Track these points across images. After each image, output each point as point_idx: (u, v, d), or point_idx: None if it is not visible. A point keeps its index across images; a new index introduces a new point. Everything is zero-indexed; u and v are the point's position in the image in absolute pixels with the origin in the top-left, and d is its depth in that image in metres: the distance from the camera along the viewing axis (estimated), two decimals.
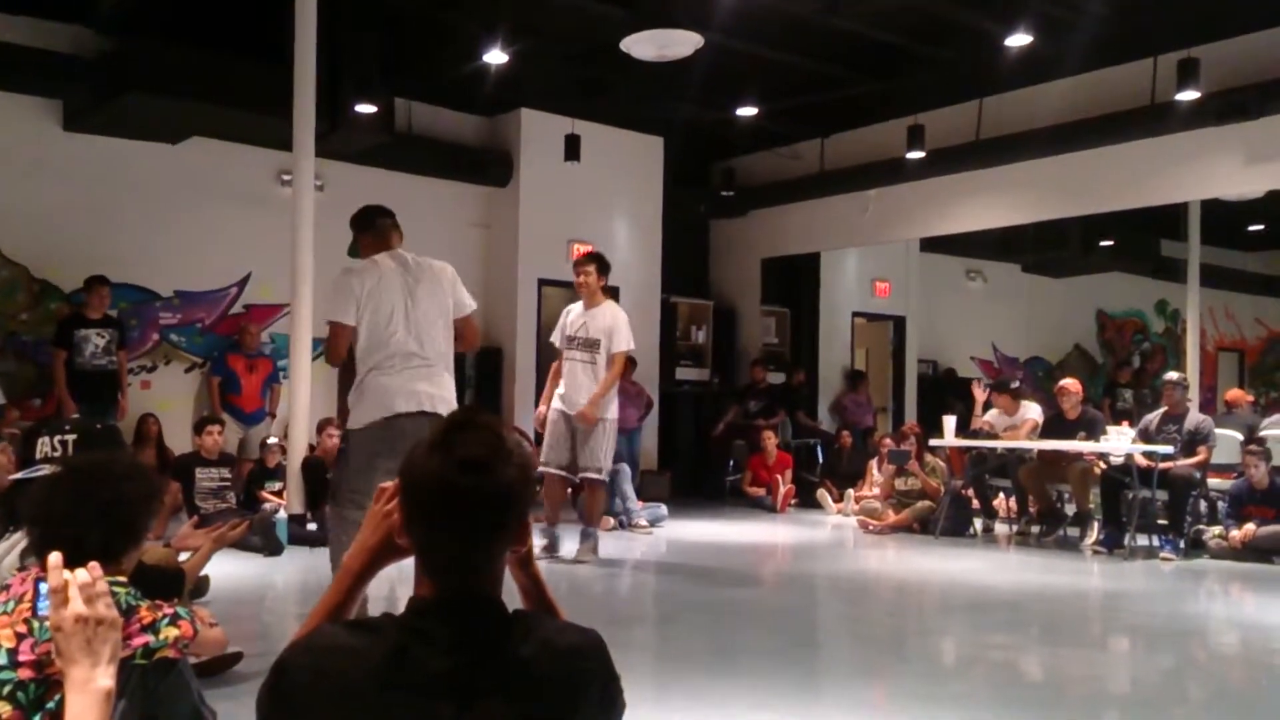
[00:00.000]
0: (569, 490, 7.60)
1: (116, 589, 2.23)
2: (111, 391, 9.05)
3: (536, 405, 7.79)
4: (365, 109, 9.51)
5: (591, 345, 7.20)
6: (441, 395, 4.89)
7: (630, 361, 8.82)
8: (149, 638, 2.31)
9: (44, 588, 2.16)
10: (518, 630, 1.52)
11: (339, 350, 4.98)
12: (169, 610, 2.41)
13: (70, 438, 2.88)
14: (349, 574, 1.71)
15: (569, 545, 7.41)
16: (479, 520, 1.51)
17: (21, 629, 2.17)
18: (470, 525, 1.51)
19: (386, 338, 4.86)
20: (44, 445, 2.91)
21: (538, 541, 7.23)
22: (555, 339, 7.43)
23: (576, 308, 7.40)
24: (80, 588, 1.80)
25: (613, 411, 7.29)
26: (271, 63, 8.44)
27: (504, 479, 1.51)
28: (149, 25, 8.78)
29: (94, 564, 1.86)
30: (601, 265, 7.31)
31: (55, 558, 1.84)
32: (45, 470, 2.77)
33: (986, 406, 9.81)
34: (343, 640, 1.50)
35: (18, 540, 2.95)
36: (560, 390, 7.26)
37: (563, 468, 7.22)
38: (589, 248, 11.88)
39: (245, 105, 9.15)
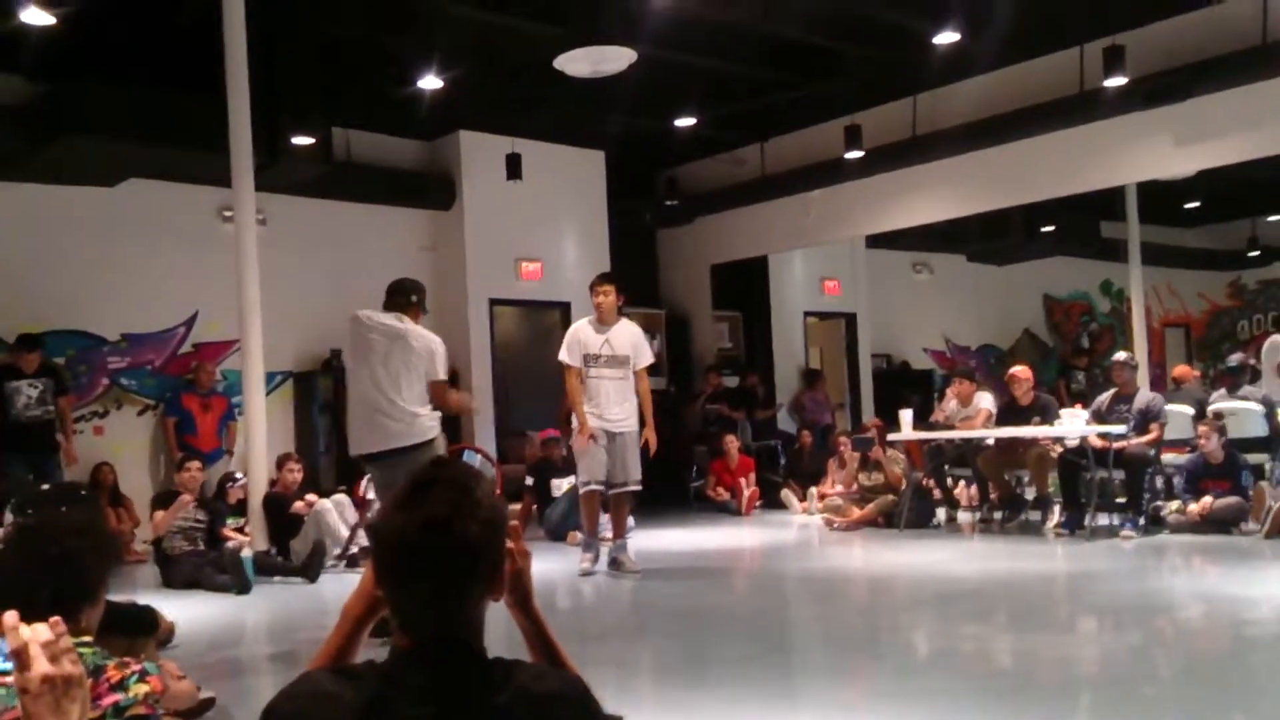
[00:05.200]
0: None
1: (82, 650, 2.20)
2: (49, 443, 8.83)
3: (544, 426, 7.87)
4: (303, 141, 9.45)
5: (621, 362, 7.44)
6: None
7: None
8: (119, 695, 2.29)
9: (3, 646, 2.13)
10: (494, 677, 1.52)
11: None
12: (136, 667, 2.39)
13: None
14: (349, 618, 1.77)
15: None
16: (444, 577, 1.52)
17: None
18: (436, 582, 1.52)
19: None
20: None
21: (586, 555, 7.42)
22: (567, 357, 7.49)
23: (587, 327, 7.54)
24: (44, 645, 1.77)
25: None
26: (206, 98, 8.36)
27: (467, 536, 1.52)
28: (79, 68, 8.68)
29: (55, 619, 1.84)
30: (619, 286, 7.60)
31: (11, 617, 1.81)
32: None
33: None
34: (326, 687, 1.52)
35: None
36: (591, 407, 7.38)
37: (601, 483, 7.39)
38: (538, 264, 11.96)
39: (181, 143, 9.07)
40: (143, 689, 2.33)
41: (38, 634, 1.72)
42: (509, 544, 1.66)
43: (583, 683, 1.63)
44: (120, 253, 9.94)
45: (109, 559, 2.51)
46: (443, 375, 5.70)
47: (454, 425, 11.38)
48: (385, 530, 1.55)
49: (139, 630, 3.79)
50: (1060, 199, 12.03)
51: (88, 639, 2.34)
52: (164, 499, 7.97)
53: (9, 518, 2.93)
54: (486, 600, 1.59)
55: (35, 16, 7.53)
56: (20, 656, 1.74)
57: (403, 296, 5.79)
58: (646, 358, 7.56)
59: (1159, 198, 14.38)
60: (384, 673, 1.52)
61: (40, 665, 1.74)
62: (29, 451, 8.58)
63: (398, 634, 1.56)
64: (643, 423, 7.51)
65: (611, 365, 7.41)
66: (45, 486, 6.53)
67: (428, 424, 5.60)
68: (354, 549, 8.13)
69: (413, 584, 1.53)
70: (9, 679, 1.82)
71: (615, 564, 7.50)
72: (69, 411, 9.19)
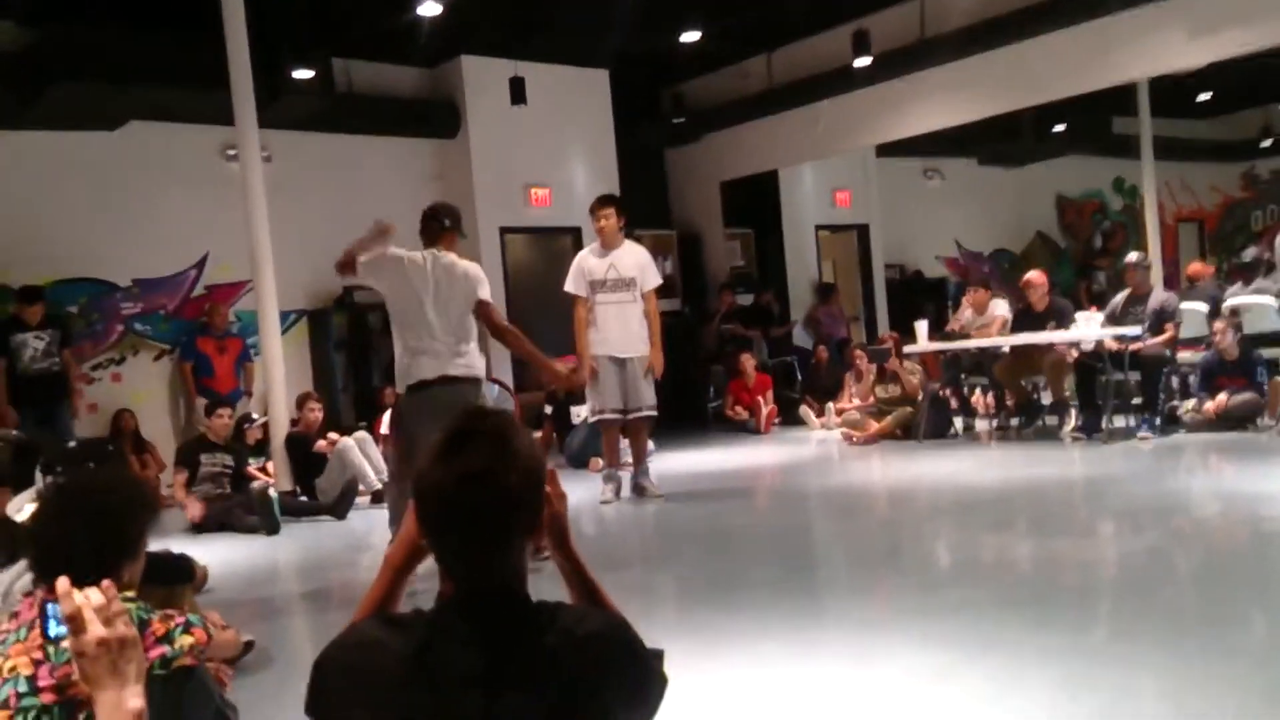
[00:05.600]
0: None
1: (126, 605, 2.26)
2: (58, 394, 8.81)
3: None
4: (304, 74, 9.36)
5: (628, 284, 7.32)
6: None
7: None
8: (165, 648, 2.34)
9: (52, 609, 2.18)
10: (539, 621, 1.56)
11: None
12: (180, 619, 2.44)
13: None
14: (390, 567, 1.79)
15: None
16: (484, 528, 1.55)
17: (38, 654, 2.20)
18: (476, 533, 1.55)
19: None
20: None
21: (607, 487, 7.44)
22: (574, 287, 7.41)
23: (592, 253, 7.46)
24: (97, 610, 1.81)
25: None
26: (203, 37, 8.27)
27: (504, 486, 1.54)
28: (71, 11, 8.56)
29: (107, 582, 1.88)
30: (619, 207, 7.44)
31: (64, 584, 1.85)
32: (32, 507, 2.79)
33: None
34: (373, 635, 1.57)
35: (24, 569, 2.97)
36: (599, 335, 7.32)
37: (619, 411, 7.36)
38: (547, 190, 11.87)
39: (180, 83, 9.01)
40: (188, 641, 2.38)
41: (90, 598, 1.76)
42: (545, 488, 1.68)
43: (625, 621, 1.67)
44: (127, 197, 9.91)
45: (147, 512, 2.55)
46: (486, 295, 5.54)
47: None
48: (425, 483, 1.57)
49: (176, 579, 3.86)
50: (1071, 97, 11.84)
51: (130, 594, 2.39)
52: (188, 452, 8.02)
53: (39, 477, 2.96)
54: (527, 545, 1.62)
55: None
56: (75, 621, 1.78)
57: (436, 223, 5.59)
58: (654, 279, 7.42)
59: (1170, 90, 14.14)
60: (431, 621, 1.56)
61: (95, 629, 1.78)
62: (38, 404, 8.58)
63: (443, 581, 1.60)
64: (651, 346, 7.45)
65: (618, 289, 7.32)
66: (71, 444, 6.57)
67: (476, 361, 5.50)
68: (378, 485, 8.23)
69: (454, 535, 1.56)
70: (66, 642, 1.88)
71: (638, 489, 7.56)
72: (75, 364, 9.16)
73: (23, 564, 3.03)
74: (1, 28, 9.02)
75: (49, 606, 2.13)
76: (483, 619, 1.54)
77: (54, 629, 2.13)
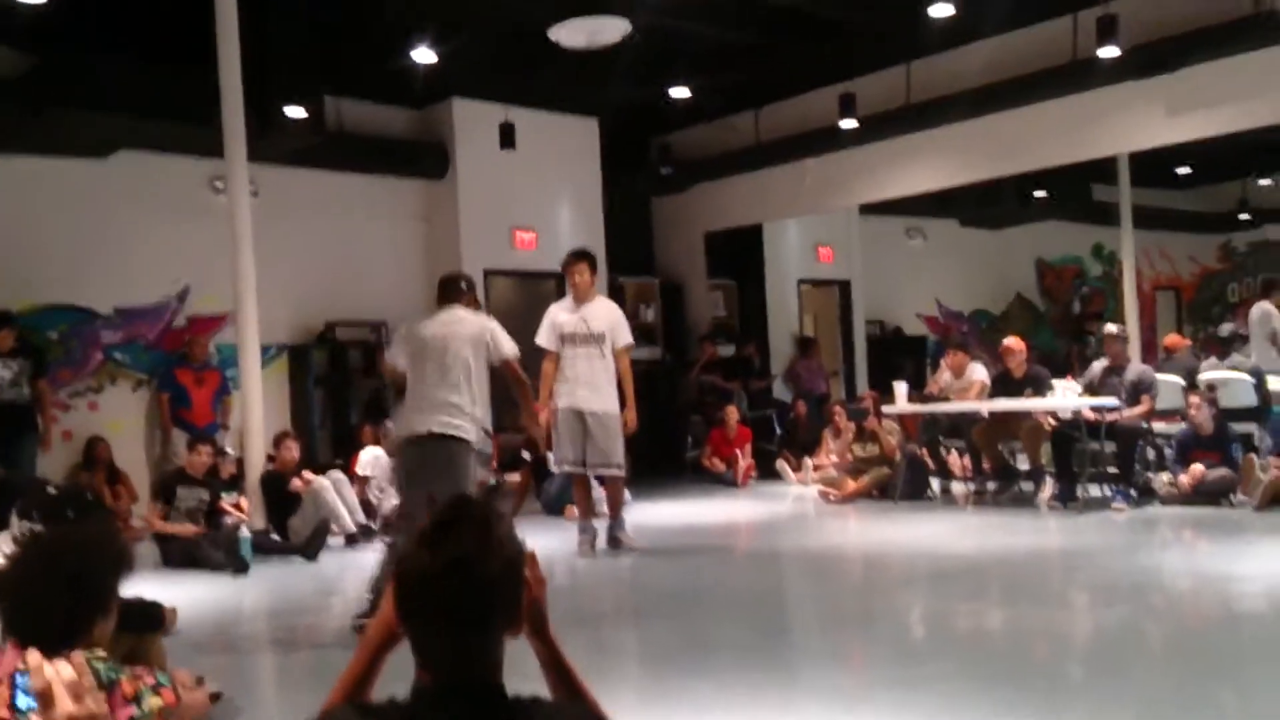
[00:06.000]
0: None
1: (95, 663, 2.23)
2: (25, 425, 8.64)
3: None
4: (295, 111, 9.38)
5: (597, 339, 7.34)
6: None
7: None
8: (133, 709, 2.32)
9: (21, 680, 2.15)
10: (516, 716, 1.55)
11: None
12: (150, 679, 2.41)
13: (37, 526, 2.83)
14: (369, 647, 1.77)
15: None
16: (467, 616, 1.54)
17: (5, 715, 2.17)
18: (456, 623, 1.55)
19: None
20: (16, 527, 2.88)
21: (582, 539, 7.43)
22: (544, 340, 7.45)
23: (562, 307, 7.50)
24: (67, 685, 1.79)
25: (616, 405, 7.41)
26: (196, 70, 8.31)
27: (489, 576, 1.54)
28: (68, 39, 8.57)
29: (77, 658, 1.86)
30: (592, 262, 7.51)
31: (35, 658, 1.83)
32: (7, 551, 2.76)
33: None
34: None
35: None
36: (564, 387, 7.34)
37: (574, 464, 7.38)
38: (532, 234, 11.91)
39: (172, 115, 9.01)
40: (156, 703, 2.36)
41: (61, 673, 1.74)
42: (525, 572, 1.68)
43: (603, 716, 1.66)
44: (112, 225, 9.87)
45: (122, 569, 2.52)
46: (510, 353, 5.59)
47: None
48: (408, 569, 1.57)
49: (146, 627, 3.81)
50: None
51: (101, 652, 2.36)
52: (167, 484, 7.93)
53: (15, 521, 2.92)
54: (506, 636, 1.62)
55: None
56: (44, 697, 1.76)
57: (455, 286, 5.70)
58: (625, 337, 7.44)
59: (1150, 161, 14.31)
60: (406, 711, 1.54)
61: (65, 705, 1.76)
62: (4, 437, 8.36)
63: (419, 669, 1.59)
64: (623, 403, 7.41)
65: (587, 343, 7.33)
66: (51, 490, 6.41)
67: (471, 421, 5.44)
68: (352, 528, 8.17)
69: (435, 623, 1.55)
70: (35, 717, 1.85)
71: (614, 542, 7.53)
72: (48, 394, 8.94)
73: None
74: (0, 54, 9.03)
75: (17, 677, 2.10)
76: (459, 712, 1.53)
77: (22, 700, 2.10)
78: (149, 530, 7.89)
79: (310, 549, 7.79)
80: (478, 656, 1.57)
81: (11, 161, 9.40)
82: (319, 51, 9.60)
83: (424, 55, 9.51)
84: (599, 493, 7.89)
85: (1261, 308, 10.67)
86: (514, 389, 5.84)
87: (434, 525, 1.59)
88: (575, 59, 9.47)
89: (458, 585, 1.53)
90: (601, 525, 7.65)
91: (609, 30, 8.41)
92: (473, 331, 5.52)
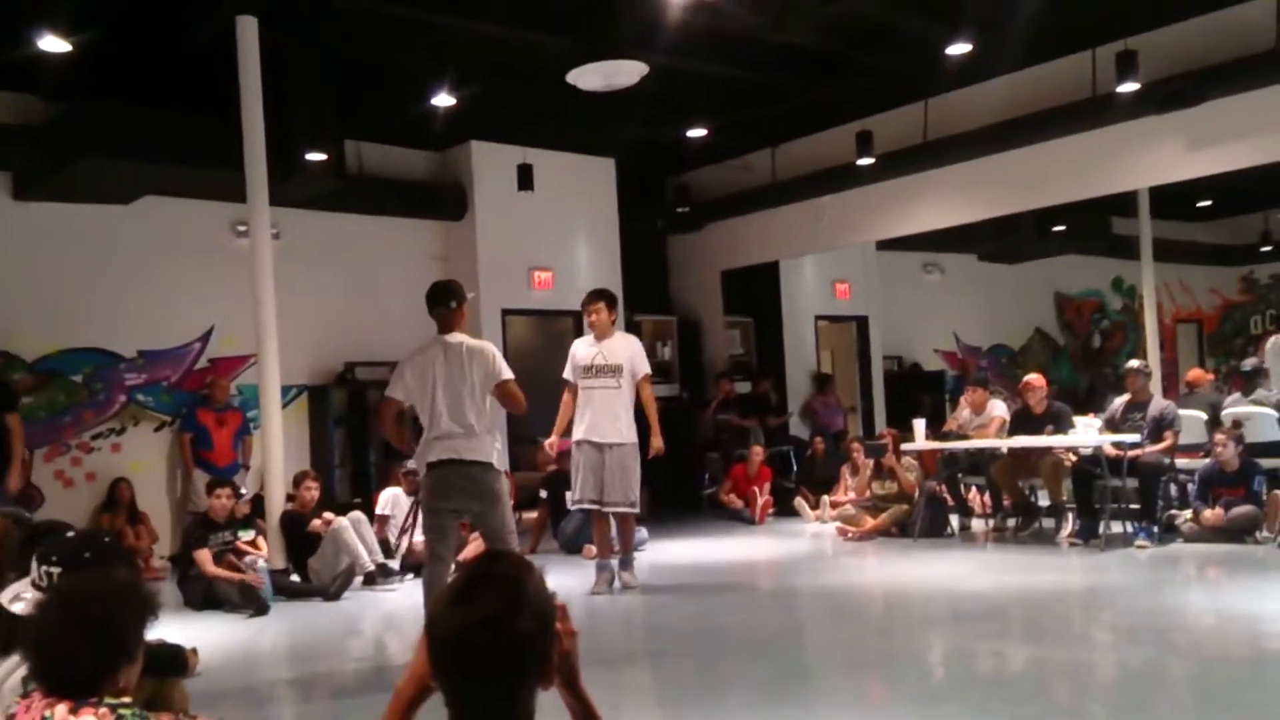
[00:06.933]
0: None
1: (121, 711, 2.25)
2: None
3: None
4: (316, 156, 9.49)
5: (614, 371, 7.44)
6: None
7: None
8: None
9: None
10: None
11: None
12: None
13: (55, 569, 2.85)
14: (401, 699, 1.78)
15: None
16: (495, 674, 1.56)
17: None
18: (488, 679, 1.56)
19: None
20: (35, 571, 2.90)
21: (600, 577, 7.44)
22: (568, 374, 7.59)
23: (585, 342, 7.63)
24: None
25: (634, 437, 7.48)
26: (219, 117, 8.44)
27: (520, 633, 1.56)
28: (95, 89, 8.75)
29: (104, 711, 1.88)
30: (609, 302, 7.61)
31: (62, 713, 1.85)
32: (29, 596, 2.78)
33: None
34: None
35: (18, 663, 2.94)
36: (581, 419, 7.42)
37: (594, 502, 7.41)
38: (549, 274, 11.98)
39: (195, 161, 9.14)
40: None
41: None
42: (556, 625, 1.69)
43: None
44: (136, 269, 10.00)
45: (148, 616, 2.54)
46: (507, 375, 5.74)
47: None
48: (439, 627, 1.59)
49: (169, 670, 3.83)
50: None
51: (127, 699, 2.37)
52: (200, 532, 7.91)
53: (35, 566, 2.94)
54: (538, 688, 1.63)
55: (52, 44, 7.62)
56: None
57: (444, 307, 5.80)
58: (643, 366, 7.55)
59: (1170, 194, 14.29)
60: None
61: None
62: None
63: None
64: (648, 430, 7.50)
65: (603, 375, 7.43)
66: (70, 534, 6.44)
67: (488, 445, 5.70)
68: (370, 566, 8.18)
69: (467, 680, 1.58)
70: None
71: (620, 580, 7.55)
72: (18, 429, 8.44)
73: (16, 659, 3.00)
74: (28, 102, 9.21)
75: None
76: None
77: None
78: (168, 569, 7.89)
79: (334, 591, 7.82)
80: (510, 711, 1.59)
81: (39, 208, 9.55)
82: (340, 97, 9.73)
83: (443, 100, 9.61)
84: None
85: (1278, 340, 10.59)
86: (507, 404, 5.90)
87: (465, 582, 1.61)
88: (592, 101, 9.57)
89: (489, 643, 1.55)
90: (618, 563, 7.65)
91: (625, 73, 8.49)
92: (477, 355, 5.71)
